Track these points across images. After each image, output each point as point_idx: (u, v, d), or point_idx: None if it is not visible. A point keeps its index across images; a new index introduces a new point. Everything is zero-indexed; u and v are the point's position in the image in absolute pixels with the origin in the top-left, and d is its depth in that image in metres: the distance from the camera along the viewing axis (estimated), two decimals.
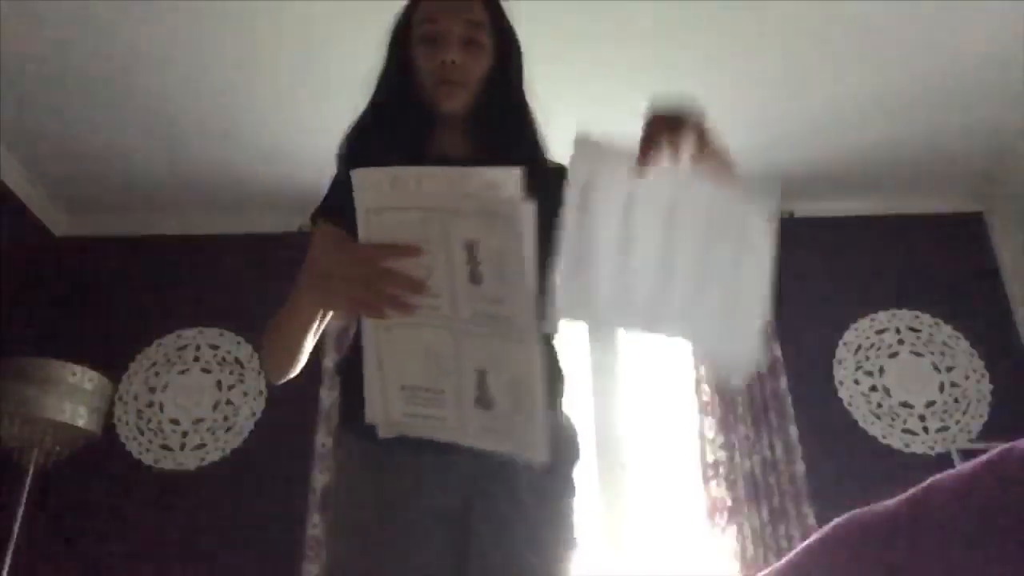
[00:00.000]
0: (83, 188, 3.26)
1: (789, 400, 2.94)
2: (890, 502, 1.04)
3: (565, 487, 1.13)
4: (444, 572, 1.04)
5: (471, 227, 0.81)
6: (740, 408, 2.92)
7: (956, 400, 3.05)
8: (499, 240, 0.80)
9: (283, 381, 1.16)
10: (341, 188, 1.17)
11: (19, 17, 2.40)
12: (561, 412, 1.19)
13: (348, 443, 1.14)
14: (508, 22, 1.23)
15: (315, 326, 1.10)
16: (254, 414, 3.09)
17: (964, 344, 3.15)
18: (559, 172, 0.94)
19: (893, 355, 3.15)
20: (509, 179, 0.77)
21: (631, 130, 0.88)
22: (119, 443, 3.03)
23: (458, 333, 0.84)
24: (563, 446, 1.16)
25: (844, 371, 3.12)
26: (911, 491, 0.99)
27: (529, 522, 1.06)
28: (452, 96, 1.14)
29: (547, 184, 0.88)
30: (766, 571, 1.55)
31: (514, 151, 1.11)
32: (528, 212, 0.78)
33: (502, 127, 1.18)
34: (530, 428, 0.83)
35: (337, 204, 1.14)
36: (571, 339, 3.19)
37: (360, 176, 0.83)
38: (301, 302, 1.04)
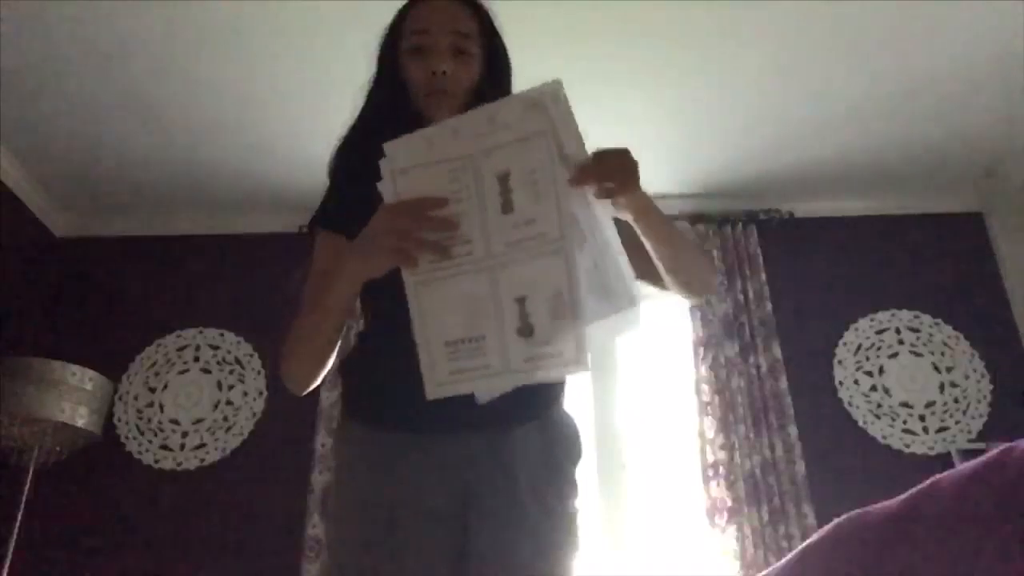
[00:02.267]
0: (83, 188, 3.26)
1: (789, 400, 2.94)
2: (890, 502, 1.03)
3: (567, 487, 1.13)
4: (442, 573, 1.04)
5: (503, 158, 0.87)
6: (740, 408, 2.92)
7: (956, 400, 3.05)
8: (534, 158, 0.86)
9: (307, 390, 1.12)
10: (339, 201, 1.18)
11: (19, 18, 2.40)
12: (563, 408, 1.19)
13: (351, 436, 1.12)
14: (497, 31, 1.24)
15: (344, 318, 1.06)
16: (254, 414, 3.09)
17: (964, 344, 3.14)
18: None
19: (893, 355, 3.15)
20: (555, 89, 0.86)
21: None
22: (119, 443, 3.03)
23: (494, 270, 0.88)
24: (565, 445, 1.16)
25: (844, 371, 3.12)
26: (911, 491, 0.99)
27: (529, 522, 1.06)
28: (442, 105, 1.14)
29: None
30: (766, 571, 1.55)
31: None
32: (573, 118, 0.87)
33: None
34: (572, 337, 0.85)
35: (339, 216, 1.14)
36: None
37: (393, 146, 0.90)
38: (342, 274, 1.00)
